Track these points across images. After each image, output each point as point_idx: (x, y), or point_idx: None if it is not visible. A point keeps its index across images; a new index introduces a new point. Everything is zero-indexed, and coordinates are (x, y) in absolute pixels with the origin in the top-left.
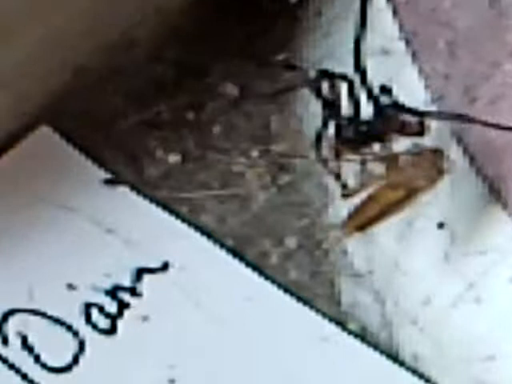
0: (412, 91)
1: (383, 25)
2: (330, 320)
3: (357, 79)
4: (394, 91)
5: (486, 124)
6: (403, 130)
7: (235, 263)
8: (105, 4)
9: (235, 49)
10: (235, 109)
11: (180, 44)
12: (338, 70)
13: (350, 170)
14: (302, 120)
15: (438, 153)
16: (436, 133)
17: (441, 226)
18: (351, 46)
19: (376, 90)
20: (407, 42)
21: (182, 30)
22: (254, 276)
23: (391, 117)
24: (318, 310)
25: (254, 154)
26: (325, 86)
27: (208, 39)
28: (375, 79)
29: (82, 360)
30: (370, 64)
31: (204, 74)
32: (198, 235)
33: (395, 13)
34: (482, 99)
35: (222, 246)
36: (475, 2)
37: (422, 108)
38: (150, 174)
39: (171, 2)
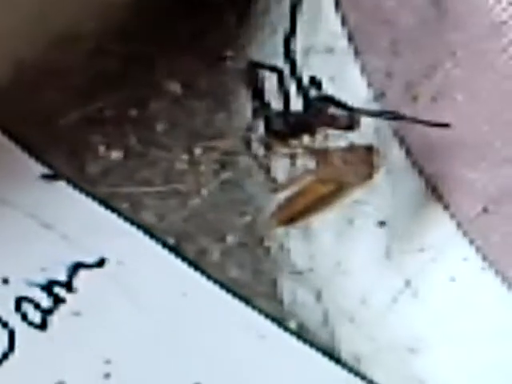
0: (354, 89)
1: (328, 22)
2: (268, 318)
3: (287, 72)
4: (337, 90)
5: (417, 121)
6: (332, 124)
7: (173, 260)
8: None
9: (180, 45)
10: (179, 106)
11: (124, 40)
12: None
13: (279, 164)
14: (246, 117)
15: (370, 149)
16: (374, 129)
17: (381, 224)
18: (299, 42)
19: (304, 82)
20: (350, 40)
21: (127, 25)
22: (192, 273)
23: (320, 109)
24: (255, 308)
25: (197, 151)
26: (255, 78)
27: (153, 35)
28: (319, 77)
29: (11, 355)
30: (314, 62)
31: (148, 70)
32: (137, 231)
33: (338, 10)
34: (423, 97)
35: (161, 242)
36: (417, 0)
37: (363, 106)
38: (90, 170)
39: None
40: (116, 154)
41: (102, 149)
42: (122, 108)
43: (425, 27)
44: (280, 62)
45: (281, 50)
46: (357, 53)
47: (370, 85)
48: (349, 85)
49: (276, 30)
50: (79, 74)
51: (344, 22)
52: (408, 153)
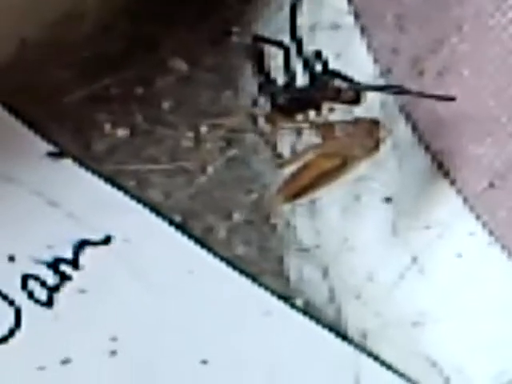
0: (360, 65)
1: None
2: (275, 294)
3: (293, 47)
4: (343, 66)
5: (423, 95)
6: (338, 98)
7: (180, 237)
8: None
9: (185, 23)
10: (184, 84)
11: (129, 18)
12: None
13: (285, 139)
14: (251, 94)
15: (374, 122)
16: (380, 104)
17: (388, 200)
18: (305, 19)
19: (310, 57)
20: (356, 16)
21: (132, 3)
22: (198, 250)
23: (326, 84)
24: (262, 285)
25: (203, 128)
26: (260, 52)
27: (158, 13)
28: (325, 54)
29: (18, 332)
30: (320, 38)
31: (154, 48)
32: (143, 209)
33: None
34: (429, 72)
35: (168, 220)
36: None
37: (370, 81)
38: (96, 148)
39: None
40: (122, 132)
41: (107, 127)
42: (127, 86)
43: (430, 2)
44: (286, 38)
45: (286, 27)
46: (363, 29)
47: (376, 61)
48: (355, 61)
49: (282, 7)
50: (84, 51)
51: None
52: (414, 128)
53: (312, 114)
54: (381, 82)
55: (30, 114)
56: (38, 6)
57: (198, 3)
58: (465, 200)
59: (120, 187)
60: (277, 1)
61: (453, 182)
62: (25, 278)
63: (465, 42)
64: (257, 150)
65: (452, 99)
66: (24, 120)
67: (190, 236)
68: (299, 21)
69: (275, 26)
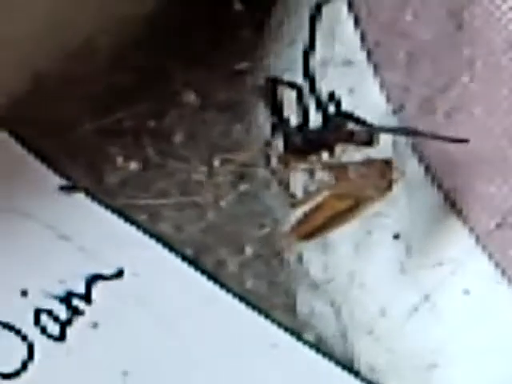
0: (372, 102)
1: (346, 35)
2: (285, 329)
3: (306, 88)
4: (355, 103)
5: (435, 137)
6: (351, 140)
7: (191, 272)
8: (66, 9)
9: (197, 56)
10: (196, 117)
11: (142, 51)
12: (297, 80)
13: (298, 180)
14: (264, 128)
15: (387, 163)
16: (392, 143)
17: (396, 236)
18: (317, 55)
19: (323, 98)
20: (368, 53)
21: (145, 37)
22: (210, 285)
23: (339, 126)
24: (273, 320)
25: (215, 162)
26: (274, 94)
27: (171, 47)
28: (337, 90)
29: (30, 366)
30: (332, 75)
31: (166, 81)
32: (154, 243)
33: (357, 23)
34: (439, 111)
35: (179, 254)
36: (435, 14)
37: (381, 120)
38: (108, 182)
39: (135, 9)
40: (134, 166)
41: (119, 160)
42: (139, 119)
43: (442, 41)
44: (298, 74)
45: (299, 61)
46: (375, 66)
47: (388, 98)
48: (367, 98)
49: (294, 42)
50: (96, 85)
51: (362, 35)
52: (426, 167)
53: (325, 155)
54: (392, 119)
55: (42, 147)
56: (50, 39)
57: (210, 36)
58: (477, 238)
59: (132, 221)
60: (289, 35)
61: (465, 220)
62: (37, 313)
63: (476, 80)
64: (268, 184)
65: (464, 141)
66: (37, 153)
67: (202, 270)
68: (312, 60)
69: (287, 60)
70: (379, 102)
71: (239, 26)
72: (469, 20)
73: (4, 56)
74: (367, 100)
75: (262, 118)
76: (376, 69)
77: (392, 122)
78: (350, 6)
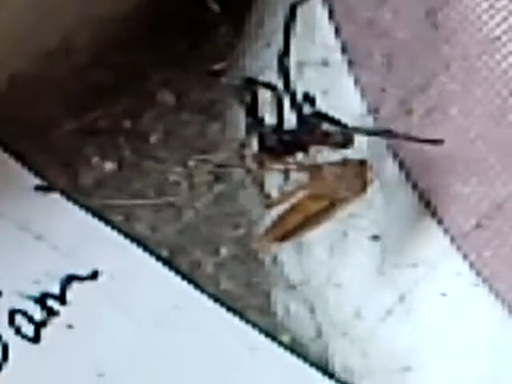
0: (349, 103)
1: (322, 36)
2: (261, 330)
3: (281, 88)
4: (332, 103)
5: (411, 139)
6: (327, 141)
7: (167, 272)
8: (43, 9)
9: (175, 57)
10: (172, 117)
11: (119, 51)
12: (272, 80)
13: (273, 180)
14: (239, 129)
15: (362, 163)
16: (367, 144)
17: (375, 238)
18: (293, 56)
19: (300, 99)
20: (344, 53)
21: (122, 37)
22: (185, 285)
23: (314, 126)
24: (248, 321)
25: (191, 163)
26: (249, 93)
27: (147, 47)
28: (313, 91)
29: (4, 367)
30: (309, 75)
31: (142, 81)
32: (129, 243)
33: (332, 23)
34: (417, 111)
35: (154, 254)
36: (412, 13)
37: (358, 120)
38: (84, 182)
39: (113, 9)
40: (109, 166)
41: (95, 160)
42: (115, 119)
43: (419, 41)
44: (274, 75)
45: (275, 62)
46: (351, 66)
47: (363, 99)
48: (342, 98)
49: (270, 43)
50: (73, 85)
51: (338, 35)
52: (401, 166)
53: (300, 156)
54: (368, 120)
55: (18, 146)
56: (26, 40)
57: (187, 36)
58: (452, 239)
59: (107, 221)
60: (266, 36)
61: (440, 221)
62: (12, 314)
63: (453, 81)
64: (244, 185)
65: (439, 142)
66: (12, 153)
67: (177, 271)
68: (286, 61)
69: (263, 61)
70: (355, 103)
71: (216, 27)
72: (445, 20)
73: None
74: (343, 101)
75: (238, 119)
76: (352, 69)
77: (368, 122)
78: (329, 7)
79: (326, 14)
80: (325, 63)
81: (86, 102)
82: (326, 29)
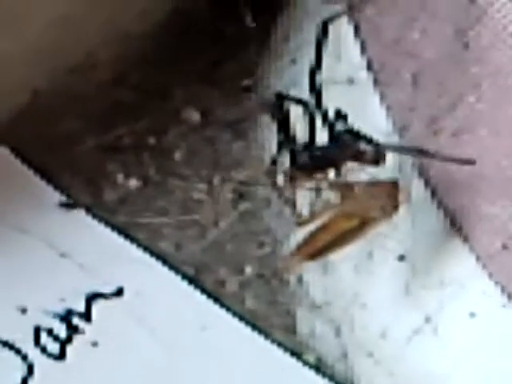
0: (376, 122)
1: (349, 54)
2: (286, 350)
3: (313, 105)
4: (359, 121)
5: (443, 158)
6: (358, 158)
7: (191, 291)
8: (66, 25)
9: (199, 74)
10: (197, 135)
11: (143, 68)
12: (303, 97)
13: (304, 198)
14: (264, 146)
15: (394, 184)
16: (396, 163)
17: (401, 258)
18: (321, 72)
19: (331, 116)
20: (373, 72)
21: (146, 54)
22: (210, 304)
23: (346, 143)
24: (273, 340)
25: (215, 180)
26: (281, 110)
27: (172, 64)
28: (340, 108)
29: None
30: (335, 93)
31: (166, 98)
32: (154, 261)
33: (362, 42)
34: (445, 131)
35: (179, 272)
36: (441, 33)
37: (384, 139)
38: (108, 199)
39: (136, 26)
40: (134, 183)
41: (120, 177)
42: (140, 136)
43: (448, 60)
44: (300, 92)
45: (300, 79)
46: (378, 85)
47: (391, 118)
48: (369, 117)
49: (296, 59)
50: (97, 102)
51: (365, 54)
52: (429, 186)
53: (332, 174)
54: (395, 139)
55: (42, 163)
56: (50, 56)
57: (211, 54)
58: (478, 259)
59: (132, 239)
60: (290, 54)
61: (466, 241)
62: (37, 331)
63: (482, 101)
64: (269, 203)
65: (472, 162)
66: (37, 170)
67: (202, 290)
68: (318, 77)
69: (288, 79)
70: (383, 122)
71: (241, 44)
72: (475, 39)
73: (5, 72)
74: (370, 119)
75: (263, 136)
76: (379, 87)
77: (395, 141)
78: (355, 25)
79: (351, 31)
80: (351, 81)
81: (111, 118)
82: (353, 47)
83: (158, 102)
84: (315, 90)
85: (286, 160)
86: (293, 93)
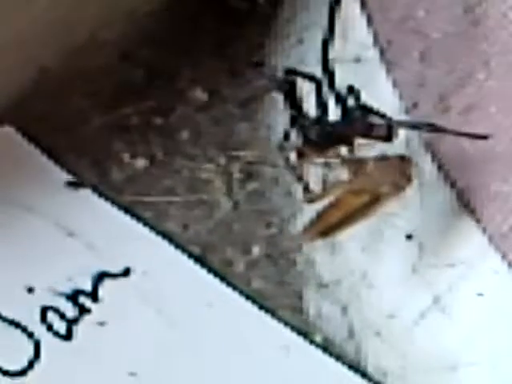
0: (385, 100)
1: (356, 32)
2: (293, 329)
3: (324, 80)
4: (367, 99)
5: (456, 133)
6: (370, 133)
7: (198, 270)
8: (72, 4)
9: (206, 53)
10: (204, 114)
11: (149, 47)
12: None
13: (314, 174)
14: (272, 127)
15: (405, 160)
16: (405, 140)
17: (409, 237)
18: (334, 48)
19: (343, 92)
20: (381, 50)
21: (152, 33)
22: (217, 283)
23: (358, 119)
24: (280, 319)
25: (222, 160)
26: (291, 86)
27: (178, 43)
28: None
29: (37, 365)
30: (342, 71)
31: (173, 78)
32: (161, 241)
33: (369, 21)
34: (455, 108)
35: (186, 252)
36: (449, 10)
37: (395, 117)
38: (114, 178)
39: (143, 4)
40: (140, 162)
41: (126, 156)
42: (146, 116)
43: (457, 38)
44: (307, 70)
45: (306, 60)
46: (387, 63)
47: (401, 95)
48: (378, 95)
49: (303, 39)
50: (103, 81)
51: (374, 33)
52: (439, 165)
53: (343, 149)
54: (405, 116)
55: (49, 143)
56: (57, 34)
57: (218, 34)
58: (490, 238)
59: (139, 218)
60: (296, 33)
61: (478, 220)
62: (44, 310)
63: (492, 78)
64: (277, 183)
65: (485, 138)
66: (43, 149)
67: (209, 269)
68: (320, 54)
69: (295, 58)
70: (392, 100)
71: (247, 24)
72: (484, 17)
73: (10, 53)
74: (379, 97)
75: (271, 116)
76: (389, 66)
77: (405, 118)
78: (363, 3)
79: (358, 10)
80: (359, 59)
81: (116, 98)
82: (360, 25)
83: (163, 81)
84: (327, 66)
85: (295, 135)
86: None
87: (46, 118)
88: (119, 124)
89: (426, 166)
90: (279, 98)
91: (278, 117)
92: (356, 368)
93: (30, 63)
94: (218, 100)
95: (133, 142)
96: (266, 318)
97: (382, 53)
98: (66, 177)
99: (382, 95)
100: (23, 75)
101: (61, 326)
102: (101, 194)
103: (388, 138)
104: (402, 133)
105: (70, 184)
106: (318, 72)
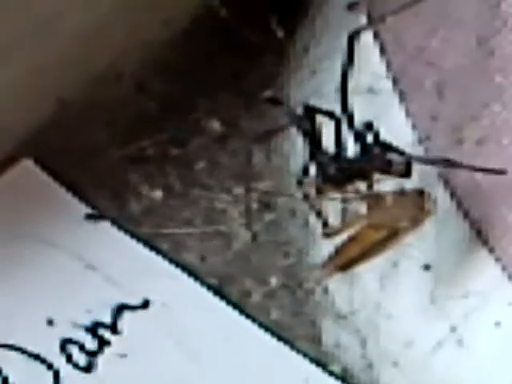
0: (398, 131)
1: (370, 63)
2: (312, 361)
3: (343, 118)
4: (380, 130)
5: (473, 169)
6: (389, 170)
7: (216, 302)
8: (90, 36)
9: (221, 84)
10: (219, 145)
11: (166, 78)
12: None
13: (332, 209)
14: (287, 158)
15: (422, 194)
16: (421, 173)
17: (426, 267)
18: (338, 83)
19: (361, 128)
20: (394, 81)
21: (169, 64)
22: (235, 315)
23: (376, 155)
24: (299, 351)
25: (238, 191)
26: (310, 122)
27: (194, 74)
28: (362, 118)
29: None
30: (356, 102)
31: (189, 109)
32: (179, 273)
33: (383, 51)
34: (469, 140)
35: (204, 283)
36: (463, 41)
37: (408, 149)
38: (132, 210)
39: (159, 35)
40: (158, 194)
41: (142, 188)
42: (162, 147)
43: (471, 68)
44: (320, 102)
45: (320, 91)
46: (401, 95)
47: (414, 126)
48: (391, 127)
49: (315, 71)
50: (121, 112)
51: (388, 63)
52: (453, 195)
53: (360, 185)
54: (419, 149)
55: (67, 175)
56: (74, 66)
57: (234, 64)
58: (503, 268)
59: (157, 250)
60: (310, 66)
61: (491, 251)
62: (64, 343)
63: (505, 110)
64: (294, 214)
65: (503, 173)
66: (62, 182)
67: (228, 301)
68: (334, 85)
69: (308, 89)
70: (405, 131)
71: (262, 55)
72: (498, 47)
73: (29, 83)
74: (392, 128)
75: (287, 148)
76: (401, 97)
77: (419, 151)
78: (376, 34)
79: (372, 41)
80: (373, 91)
81: (133, 129)
82: (374, 56)
83: (179, 112)
84: (346, 104)
85: (313, 171)
86: (313, 103)
87: (64, 151)
88: (136, 156)
89: (439, 196)
90: (296, 130)
91: (296, 148)
92: None
93: (48, 94)
94: (234, 131)
95: (149, 174)
96: (285, 350)
97: (395, 83)
98: (85, 210)
99: (395, 126)
100: (41, 107)
101: (81, 358)
102: (120, 227)
103: (406, 174)
104: (416, 164)
105: (90, 217)
106: (332, 102)
